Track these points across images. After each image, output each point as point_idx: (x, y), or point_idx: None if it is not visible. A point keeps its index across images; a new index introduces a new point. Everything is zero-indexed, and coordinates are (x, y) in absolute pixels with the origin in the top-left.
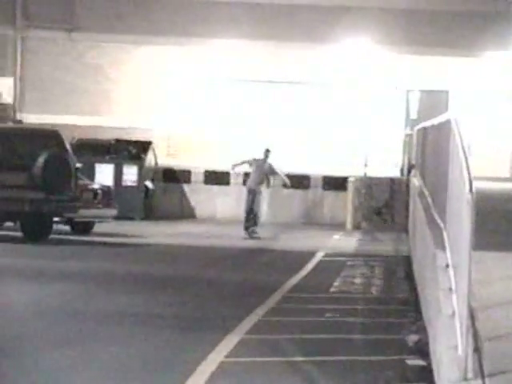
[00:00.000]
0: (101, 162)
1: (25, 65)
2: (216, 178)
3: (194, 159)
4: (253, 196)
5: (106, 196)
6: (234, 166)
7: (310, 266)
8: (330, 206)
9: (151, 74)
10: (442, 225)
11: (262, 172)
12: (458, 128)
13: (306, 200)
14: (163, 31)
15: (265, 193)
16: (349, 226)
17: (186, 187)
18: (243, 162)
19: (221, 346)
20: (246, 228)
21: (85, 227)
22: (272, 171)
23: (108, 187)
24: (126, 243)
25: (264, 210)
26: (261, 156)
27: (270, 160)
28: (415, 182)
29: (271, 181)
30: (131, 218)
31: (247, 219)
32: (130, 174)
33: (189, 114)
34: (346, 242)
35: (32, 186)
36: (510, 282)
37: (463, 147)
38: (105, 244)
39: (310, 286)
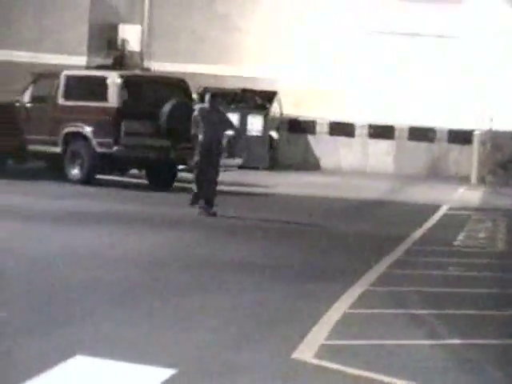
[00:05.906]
0: (226, 111)
1: (153, 13)
2: (341, 130)
3: (320, 110)
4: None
5: (232, 145)
6: None
7: (434, 219)
8: (454, 160)
9: (279, 23)
10: None
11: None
12: None
13: (431, 153)
14: None
15: (388, 145)
16: (474, 179)
17: (310, 138)
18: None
19: (345, 297)
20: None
21: None
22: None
23: (233, 136)
24: (250, 192)
25: (388, 162)
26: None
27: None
28: None
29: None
30: (256, 168)
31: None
32: (255, 123)
33: (316, 65)
34: (470, 195)
35: (158, 133)
36: None
37: None
38: (229, 193)
39: (434, 239)
